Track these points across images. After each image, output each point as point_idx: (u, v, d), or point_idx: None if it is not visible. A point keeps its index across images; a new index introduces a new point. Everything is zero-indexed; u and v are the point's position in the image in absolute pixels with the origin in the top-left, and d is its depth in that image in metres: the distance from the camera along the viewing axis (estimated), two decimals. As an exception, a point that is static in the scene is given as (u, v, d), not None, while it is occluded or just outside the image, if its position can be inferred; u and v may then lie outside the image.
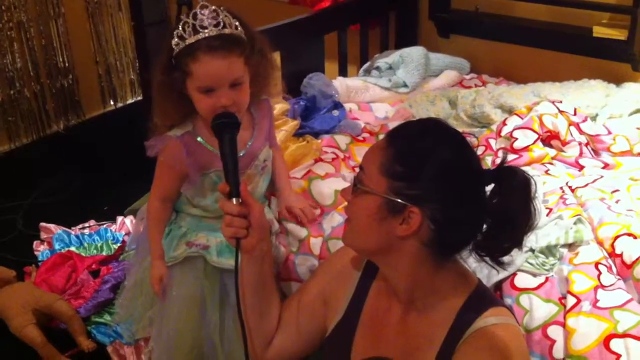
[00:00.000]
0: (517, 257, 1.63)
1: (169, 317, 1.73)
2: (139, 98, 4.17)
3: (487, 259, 1.28)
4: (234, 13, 1.56)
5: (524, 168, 1.37)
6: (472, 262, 1.58)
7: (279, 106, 2.37)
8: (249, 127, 1.70)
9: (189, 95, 1.56)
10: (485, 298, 1.33)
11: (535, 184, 1.25)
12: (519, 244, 1.26)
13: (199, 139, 1.64)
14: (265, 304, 1.47)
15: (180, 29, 1.49)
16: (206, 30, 1.48)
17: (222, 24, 1.50)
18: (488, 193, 1.26)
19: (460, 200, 1.23)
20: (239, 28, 1.54)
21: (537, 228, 1.72)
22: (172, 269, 1.72)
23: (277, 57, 2.68)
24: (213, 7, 1.51)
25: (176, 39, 1.51)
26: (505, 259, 1.28)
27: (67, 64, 3.88)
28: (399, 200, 1.22)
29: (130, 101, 4.24)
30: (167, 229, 1.76)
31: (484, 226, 1.25)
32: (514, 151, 2.12)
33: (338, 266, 1.49)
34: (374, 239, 1.28)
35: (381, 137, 2.30)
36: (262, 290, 1.45)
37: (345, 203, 1.39)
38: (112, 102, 4.14)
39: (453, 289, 1.30)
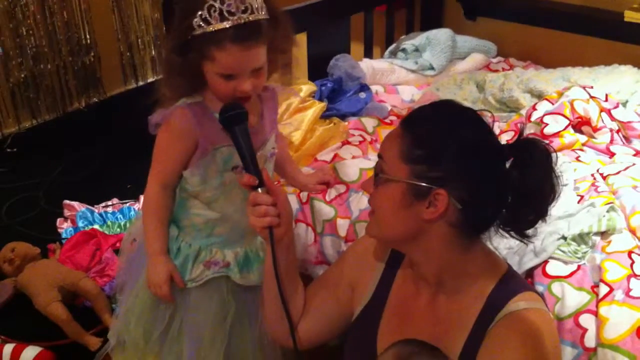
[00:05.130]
0: (549, 245, 1.62)
1: (194, 343, 1.62)
2: (161, 77, 4.16)
3: (512, 233, 1.27)
4: None
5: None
6: (502, 249, 1.57)
7: (306, 87, 2.36)
8: (255, 112, 1.58)
9: (204, 75, 1.46)
10: (516, 282, 1.32)
11: (557, 154, 1.25)
12: (544, 215, 1.25)
13: (210, 111, 1.52)
14: (289, 292, 1.46)
15: (206, 11, 1.37)
16: (234, 17, 1.37)
17: (249, 9, 1.39)
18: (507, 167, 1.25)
19: (484, 176, 1.22)
20: (264, 9, 1.43)
21: (569, 215, 1.71)
22: (190, 293, 1.60)
23: (302, 37, 2.68)
24: None
25: (199, 21, 1.38)
26: (530, 231, 1.28)
27: (89, 41, 3.87)
28: (424, 184, 1.21)
29: (151, 79, 4.22)
30: (174, 247, 1.60)
31: (508, 200, 1.25)
32: (545, 137, 2.09)
33: (362, 253, 1.48)
34: (402, 227, 1.27)
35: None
36: (287, 278, 1.44)
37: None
38: (134, 82, 4.12)
39: (482, 272, 1.30)
